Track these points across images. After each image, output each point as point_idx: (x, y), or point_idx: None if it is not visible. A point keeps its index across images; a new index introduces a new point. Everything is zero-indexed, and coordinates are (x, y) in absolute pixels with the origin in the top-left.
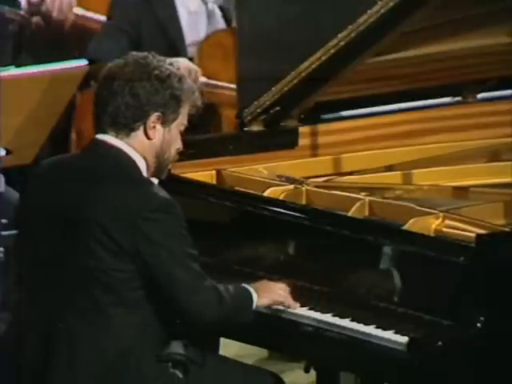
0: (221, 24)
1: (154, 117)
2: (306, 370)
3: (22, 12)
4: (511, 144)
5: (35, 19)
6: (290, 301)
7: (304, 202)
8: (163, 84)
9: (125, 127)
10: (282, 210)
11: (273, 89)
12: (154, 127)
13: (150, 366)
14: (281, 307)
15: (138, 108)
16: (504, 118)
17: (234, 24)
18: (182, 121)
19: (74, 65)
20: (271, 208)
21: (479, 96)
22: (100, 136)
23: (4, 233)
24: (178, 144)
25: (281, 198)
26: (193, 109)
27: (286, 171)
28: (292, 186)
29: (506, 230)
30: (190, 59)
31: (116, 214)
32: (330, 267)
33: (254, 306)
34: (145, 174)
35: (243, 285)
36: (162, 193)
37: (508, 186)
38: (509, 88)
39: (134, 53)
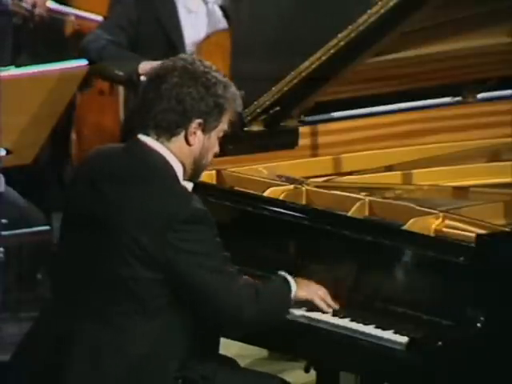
0: (222, 24)
1: (195, 123)
2: (306, 370)
3: (25, 5)
4: (511, 144)
5: (38, 11)
6: (324, 304)
7: (304, 202)
8: (208, 91)
9: (167, 131)
10: (282, 210)
11: (273, 89)
12: (195, 133)
13: (169, 374)
14: (314, 314)
15: (181, 114)
16: (504, 117)
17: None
18: (222, 127)
19: (74, 65)
20: (271, 208)
21: (479, 96)
22: (142, 137)
23: (4, 233)
24: (215, 149)
25: (281, 198)
26: (234, 115)
27: (286, 171)
28: (292, 186)
29: (506, 230)
30: None
31: (148, 222)
32: (330, 267)
33: (293, 295)
34: (181, 178)
35: (284, 275)
36: (195, 202)
37: (508, 185)
38: (509, 88)
39: (183, 56)
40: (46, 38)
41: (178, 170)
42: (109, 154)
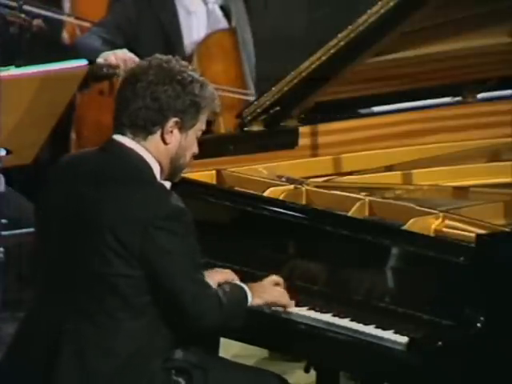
0: (222, 24)
1: (172, 122)
2: (306, 370)
3: (23, 15)
4: (511, 144)
5: (36, 22)
6: (284, 301)
7: (304, 202)
8: (185, 90)
9: (143, 130)
10: (282, 210)
11: (273, 89)
12: (172, 132)
13: (157, 371)
14: (278, 308)
15: (157, 112)
16: (504, 117)
17: (233, 24)
18: (199, 127)
19: (74, 65)
20: (271, 208)
21: (479, 96)
22: (117, 136)
23: (4, 233)
24: (193, 149)
25: (281, 198)
26: (211, 115)
27: (286, 171)
28: (292, 186)
29: (506, 230)
30: (190, 59)
31: (127, 219)
32: (330, 267)
33: (249, 304)
34: (158, 177)
35: (239, 284)
36: (174, 199)
37: (508, 185)
38: (509, 88)
39: (158, 56)
40: (44, 44)
41: (155, 169)
42: (84, 156)
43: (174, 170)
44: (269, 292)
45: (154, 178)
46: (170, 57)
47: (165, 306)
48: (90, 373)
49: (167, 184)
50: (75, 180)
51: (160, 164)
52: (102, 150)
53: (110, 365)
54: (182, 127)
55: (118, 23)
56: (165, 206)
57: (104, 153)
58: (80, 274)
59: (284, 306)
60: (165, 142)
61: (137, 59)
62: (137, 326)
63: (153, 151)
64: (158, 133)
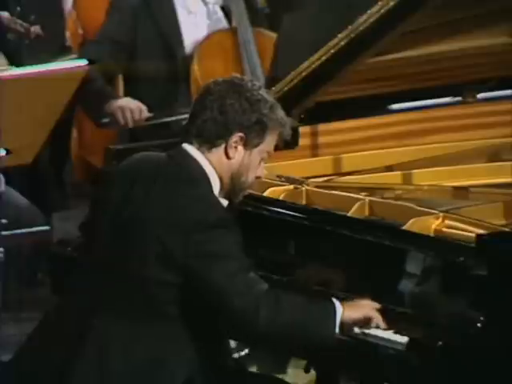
0: (223, 24)
1: (236, 136)
2: (306, 370)
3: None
4: (511, 144)
5: (33, 29)
6: (379, 318)
7: (304, 202)
8: (252, 107)
9: (207, 141)
10: (282, 210)
11: (273, 89)
12: (236, 148)
13: (177, 381)
14: (369, 327)
15: (222, 125)
16: (504, 118)
17: (234, 24)
18: (265, 148)
19: (74, 65)
20: (271, 208)
21: (479, 96)
22: (184, 145)
23: (4, 233)
24: (258, 171)
25: (281, 198)
26: (280, 140)
27: (286, 171)
28: (292, 186)
29: (506, 230)
30: (190, 59)
31: (173, 225)
32: (330, 267)
33: (339, 319)
34: (216, 191)
35: (331, 299)
36: (222, 209)
37: (508, 186)
38: (509, 88)
39: (235, 74)
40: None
41: (214, 181)
42: (149, 158)
43: (234, 187)
44: (365, 306)
45: (209, 187)
46: (244, 76)
47: (197, 318)
48: (108, 372)
49: (224, 202)
50: (134, 181)
51: (221, 178)
52: (170, 155)
53: (127, 367)
54: (247, 144)
55: (115, 36)
56: (214, 214)
57: (168, 158)
58: (118, 274)
59: (377, 325)
60: (228, 157)
61: (142, 107)
62: (162, 333)
63: (215, 164)
64: (222, 146)
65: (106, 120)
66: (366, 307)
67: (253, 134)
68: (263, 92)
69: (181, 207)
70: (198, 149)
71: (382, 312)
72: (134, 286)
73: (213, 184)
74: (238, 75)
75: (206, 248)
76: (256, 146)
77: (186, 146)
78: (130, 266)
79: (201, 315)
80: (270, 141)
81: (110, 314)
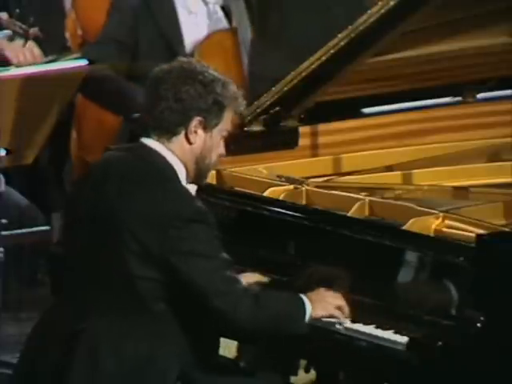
0: (223, 24)
1: (195, 121)
2: (306, 370)
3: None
4: (511, 144)
5: (32, 30)
6: (344, 313)
7: (304, 202)
8: (206, 88)
9: (167, 131)
10: (282, 210)
11: (273, 89)
12: (196, 132)
13: (169, 377)
14: (333, 320)
15: (181, 112)
16: (504, 118)
17: (234, 24)
18: (224, 126)
19: (74, 65)
20: (271, 208)
21: (479, 96)
22: (143, 139)
23: (4, 233)
24: (219, 150)
25: (281, 198)
26: (236, 115)
27: (286, 171)
28: (292, 186)
29: (506, 230)
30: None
31: (148, 221)
32: (330, 267)
33: (308, 316)
34: (183, 179)
35: (299, 294)
36: (195, 201)
37: (508, 186)
38: (509, 88)
39: (179, 58)
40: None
41: (180, 171)
42: (116, 156)
43: (199, 171)
44: (330, 302)
45: (177, 179)
46: (190, 58)
47: (183, 313)
48: (100, 372)
49: (193, 187)
50: (104, 180)
51: (185, 165)
52: (131, 151)
53: (119, 366)
54: (206, 126)
55: (117, 37)
56: (188, 208)
57: (130, 154)
58: (101, 273)
59: (343, 319)
60: (189, 142)
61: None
62: (151, 330)
63: (178, 152)
64: (182, 133)
65: (136, 115)
66: (331, 303)
67: (211, 115)
68: (212, 71)
69: (153, 203)
70: (158, 140)
71: (351, 303)
72: (118, 284)
73: (179, 174)
74: (183, 58)
75: (183, 244)
76: (215, 126)
77: (146, 140)
78: (111, 264)
79: (188, 311)
80: (227, 118)
81: (99, 313)
